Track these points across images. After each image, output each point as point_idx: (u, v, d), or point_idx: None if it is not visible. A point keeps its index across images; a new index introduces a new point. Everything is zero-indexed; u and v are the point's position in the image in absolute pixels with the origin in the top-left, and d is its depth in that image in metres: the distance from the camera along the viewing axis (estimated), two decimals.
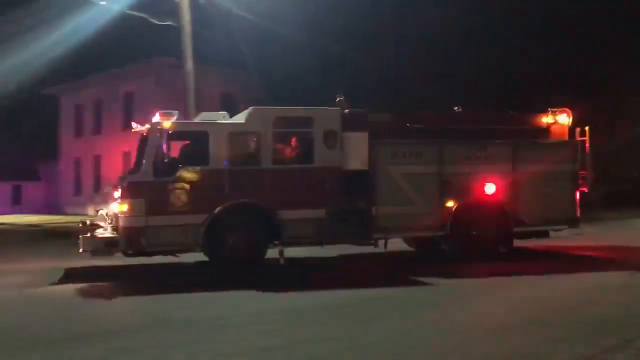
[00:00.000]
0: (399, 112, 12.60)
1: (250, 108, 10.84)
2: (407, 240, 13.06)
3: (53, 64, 32.37)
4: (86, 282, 9.91)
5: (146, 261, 11.15)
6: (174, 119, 10.21)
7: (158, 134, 10.09)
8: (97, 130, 33.02)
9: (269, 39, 21.86)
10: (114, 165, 28.99)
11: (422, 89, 24.63)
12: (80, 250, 10.25)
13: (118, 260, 11.26)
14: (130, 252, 10.42)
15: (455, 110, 12.63)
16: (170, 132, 10.11)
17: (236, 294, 8.77)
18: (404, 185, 11.22)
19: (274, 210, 10.48)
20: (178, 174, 10.13)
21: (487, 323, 6.74)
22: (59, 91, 34.69)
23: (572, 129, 12.35)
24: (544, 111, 12.42)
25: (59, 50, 31.38)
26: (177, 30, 17.77)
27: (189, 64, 17.53)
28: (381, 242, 11.79)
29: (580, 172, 12.29)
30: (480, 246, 11.44)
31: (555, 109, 12.31)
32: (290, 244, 10.90)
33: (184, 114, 23.47)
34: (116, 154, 29.73)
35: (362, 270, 11.41)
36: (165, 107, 26.66)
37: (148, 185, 10.06)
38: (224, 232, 10.35)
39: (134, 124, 11.19)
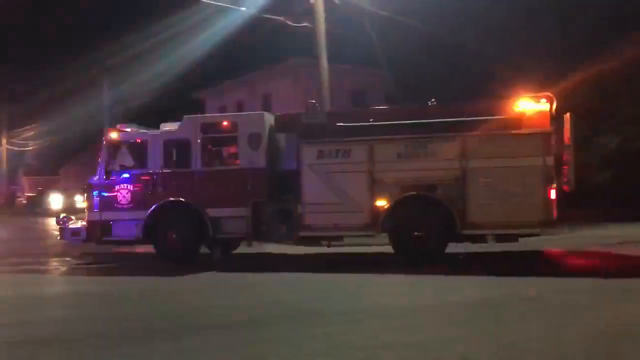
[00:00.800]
0: (335, 112, 12.17)
1: (184, 117, 12.24)
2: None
3: (200, 69, 34.75)
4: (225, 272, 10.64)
5: (281, 250, 11.74)
6: (129, 129, 12.43)
7: (108, 144, 12.28)
8: None
9: (400, 33, 21.67)
10: None
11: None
12: (58, 238, 12.87)
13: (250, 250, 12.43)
14: (93, 242, 12.33)
15: (424, 104, 11.57)
16: (117, 141, 12.25)
17: (363, 289, 8.88)
18: (331, 184, 11.10)
19: (203, 208, 11.58)
20: (122, 176, 12.05)
21: None
22: (205, 95, 37.17)
23: (557, 118, 10.74)
24: (515, 97, 10.71)
25: (204, 57, 33.53)
26: (312, 31, 18.21)
27: (324, 63, 17.87)
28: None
29: (564, 167, 10.80)
30: (419, 248, 10.72)
31: (535, 94, 10.71)
32: (219, 241, 12.08)
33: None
34: None
35: (487, 267, 10.76)
36: (301, 106, 27.56)
37: (100, 186, 12.15)
38: (161, 228, 11.80)
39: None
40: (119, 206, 12.04)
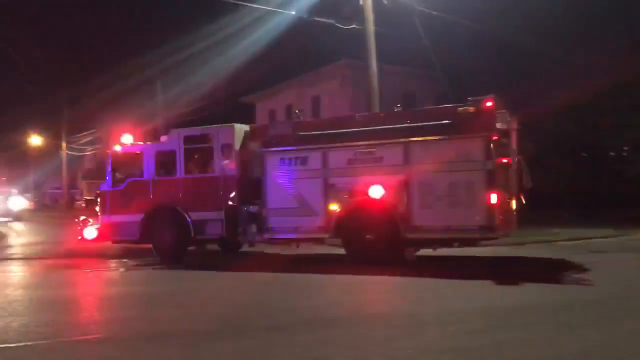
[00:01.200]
0: (299, 121, 12.91)
1: (170, 130, 13.99)
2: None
3: (250, 73, 35.21)
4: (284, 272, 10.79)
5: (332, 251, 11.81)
6: (128, 141, 13.90)
7: (114, 155, 13.91)
8: None
9: (451, 33, 21.39)
10: None
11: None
12: (78, 238, 14.23)
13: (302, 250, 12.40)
14: (106, 241, 14.12)
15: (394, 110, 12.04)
16: (121, 153, 13.83)
17: (427, 292, 8.83)
18: (290, 189, 11.92)
19: (187, 211, 12.95)
20: (125, 184, 13.66)
21: None
22: (255, 98, 37.61)
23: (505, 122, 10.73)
24: (458, 103, 10.73)
25: (254, 61, 33.93)
26: (359, 32, 18.20)
27: (373, 65, 17.83)
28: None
29: (518, 171, 10.95)
30: (369, 250, 11.12)
31: (478, 99, 10.57)
32: (200, 242, 13.33)
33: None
34: None
35: (550, 271, 10.68)
36: (350, 108, 27.36)
37: (108, 193, 13.82)
38: (154, 230, 13.30)
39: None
40: (123, 210, 13.61)
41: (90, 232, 14.01)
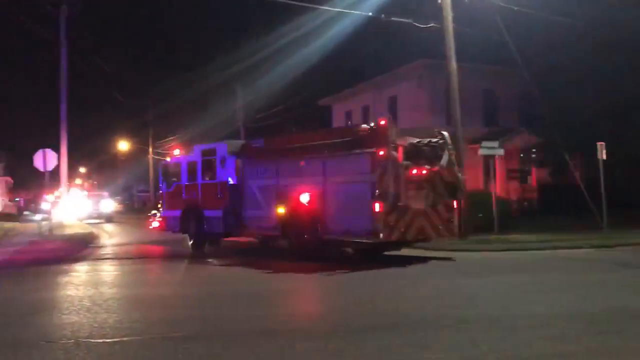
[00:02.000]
0: (271, 137, 16.26)
1: (194, 146, 17.33)
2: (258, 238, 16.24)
3: (326, 76, 35.49)
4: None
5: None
6: (176, 153, 18.29)
7: (165, 164, 18.95)
8: None
9: (534, 29, 20.63)
10: None
11: None
12: (150, 227, 18.96)
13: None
14: (167, 231, 18.10)
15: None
16: (170, 163, 18.29)
17: (505, 294, 8.67)
18: (258, 195, 14.54)
19: (203, 210, 16.12)
20: (172, 187, 17.41)
21: None
22: (331, 101, 37.78)
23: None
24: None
25: (330, 63, 34.17)
26: (436, 31, 17.93)
27: (452, 63, 17.54)
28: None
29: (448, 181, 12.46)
30: (305, 247, 13.32)
31: (375, 121, 12.28)
32: (210, 235, 16.39)
33: (446, 113, 23.57)
34: None
35: None
36: (427, 107, 26.96)
37: (164, 194, 18.06)
38: (186, 223, 16.81)
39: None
40: (171, 207, 17.56)
41: (155, 223, 18.53)
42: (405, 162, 12.21)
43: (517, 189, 27.77)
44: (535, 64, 21.74)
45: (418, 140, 12.94)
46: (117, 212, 46.11)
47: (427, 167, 12.47)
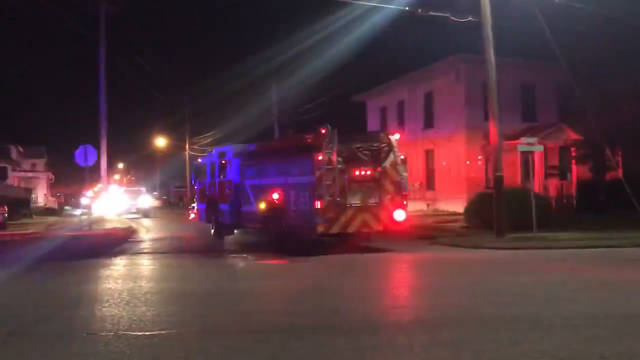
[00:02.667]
0: (261, 142, 19.87)
1: (214, 148, 20.36)
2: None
3: (361, 72, 35.30)
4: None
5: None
6: (206, 155, 21.13)
7: (197, 164, 22.28)
8: (400, 129, 34.51)
9: (576, 20, 20.07)
10: (416, 161, 30.16)
11: None
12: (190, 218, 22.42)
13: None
14: (199, 221, 20.96)
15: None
16: (200, 163, 21.73)
17: (549, 295, 8.53)
18: (250, 192, 16.58)
19: (219, 203, 18.55)
20: (202, 183, 20.39)
21: None
22: (366, 97, 37.57)
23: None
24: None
25: (365, 59, 33.98)
26: (473, 26, 17.65)
27: (491, 57, 17.22)
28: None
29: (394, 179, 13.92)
30: (280, 239, 15.05)
31: (316, 128, 13.90)
32: (224, 225, 18.54)
33: (483, 109, 23.15)
34: (419, 152, 30.90)
35: None
36: (464, 102, 26.67)
37: (197, 189, 21.30)
38: (210, 215, 19.40)
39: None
40: (201, 201, 20.62)
41: (192, 215, 21.92)
42: (341, 165, 13.61)
43: (556, 186, 27.18)
44: (575, 58, 21.17)
45: (358, 145, 14.14)
46: (155, 207, 46.85)
47: (370, 168, 13.94)
